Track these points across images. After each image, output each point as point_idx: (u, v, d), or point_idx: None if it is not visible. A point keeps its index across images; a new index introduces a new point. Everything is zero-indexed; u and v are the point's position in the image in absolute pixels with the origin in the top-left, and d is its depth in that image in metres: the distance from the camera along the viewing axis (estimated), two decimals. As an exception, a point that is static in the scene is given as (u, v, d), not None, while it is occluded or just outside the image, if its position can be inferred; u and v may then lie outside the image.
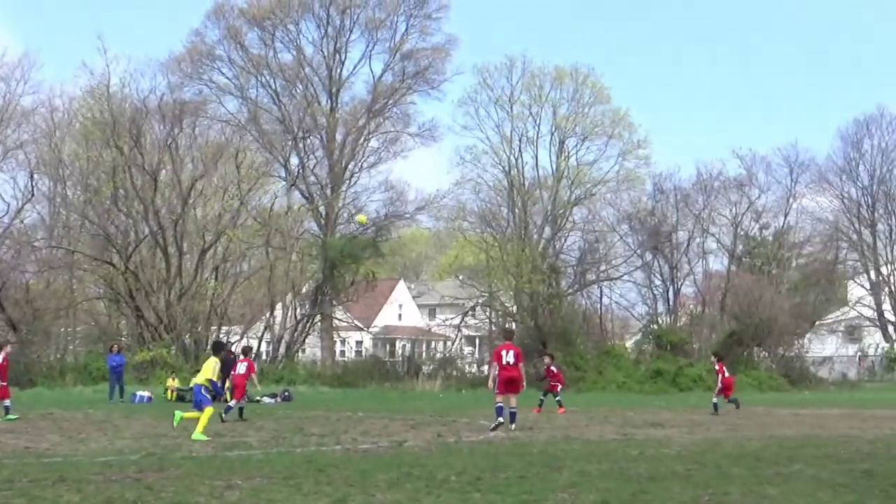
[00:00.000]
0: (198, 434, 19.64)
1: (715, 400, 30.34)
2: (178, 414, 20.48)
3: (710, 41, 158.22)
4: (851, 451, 17.42)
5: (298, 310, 60.38)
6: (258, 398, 38.16)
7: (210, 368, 21.12)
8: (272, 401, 37.98)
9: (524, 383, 23.31)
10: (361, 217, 41.41)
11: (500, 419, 22.18)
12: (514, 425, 22.29)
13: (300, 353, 60.18)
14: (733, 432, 22.07)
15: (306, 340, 60.95)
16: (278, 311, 59.44)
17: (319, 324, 61.58)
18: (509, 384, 22.54)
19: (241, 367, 27.43)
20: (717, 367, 31.93)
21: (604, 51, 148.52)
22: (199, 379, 21.03)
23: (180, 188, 54.63)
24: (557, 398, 30.85)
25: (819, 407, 34.24)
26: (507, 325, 53.09)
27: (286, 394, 39.83)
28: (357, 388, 49.25)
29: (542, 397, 31.34)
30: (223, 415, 24.79)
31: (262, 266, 59.67)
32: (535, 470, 14.33)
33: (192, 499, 11.56)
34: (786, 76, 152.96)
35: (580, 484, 12.74)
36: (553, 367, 32.26)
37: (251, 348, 34.67)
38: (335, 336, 64.20)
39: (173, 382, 40.10)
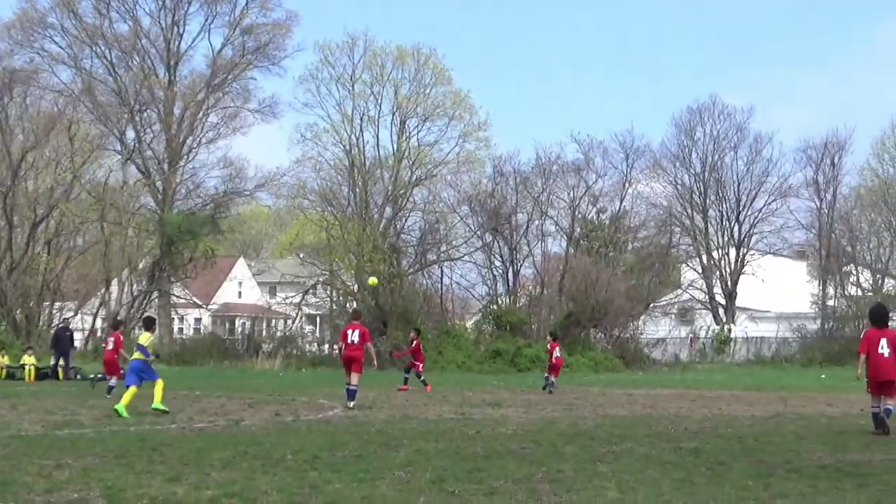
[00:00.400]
0: (157, 404, 20.01)
1: (552, 378, 30.88)
2: (121, 409, 19.61)
3: (549, 25, 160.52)
4: (680, 430, 17.89)
5: (135, 286, 59.24)
6: (91, 376, 37.30)
7: (145, 339, 20.92)
8: (107, 379, 37.12)
9: (375, 362, 24.15)
10: (373, 280, 41.62)
11: (350, 404, 22.54)
12: (352, 403, 22.42)
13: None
14: (568, 412, 22.45)
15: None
16: (114, 287, 58.22)
17: (157, 300, 60.54)
18: (349, 362, 22.91)
19: (110, 343, 27.41)
20: (549, 346, 32.52)
21: (444, 32, 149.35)
22: (138, 355, 20.69)
23: (10, 159, 53.05)
24: (420, 377, 30.99)
25: (651, 387, 35.06)
26: (355, 305, 53.05)
27: (122, 372, 38.90)
28: (195, 366, 48.59)
29: (419, 377, 31.22)
30: (107, 395, 25.26)
31: (96, 241, 58.42)
32: (372, 448, 14.34)
33: (19, 478, 11.21)
34: (622, 62, 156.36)
35: (417, 462, 12.79)
36: (417, 343, 32.37)
37: (122, 321, 34.18)
38: (173, 313, 63.22)
39: (3, 359, 38.90)
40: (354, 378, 22.73)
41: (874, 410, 17.17)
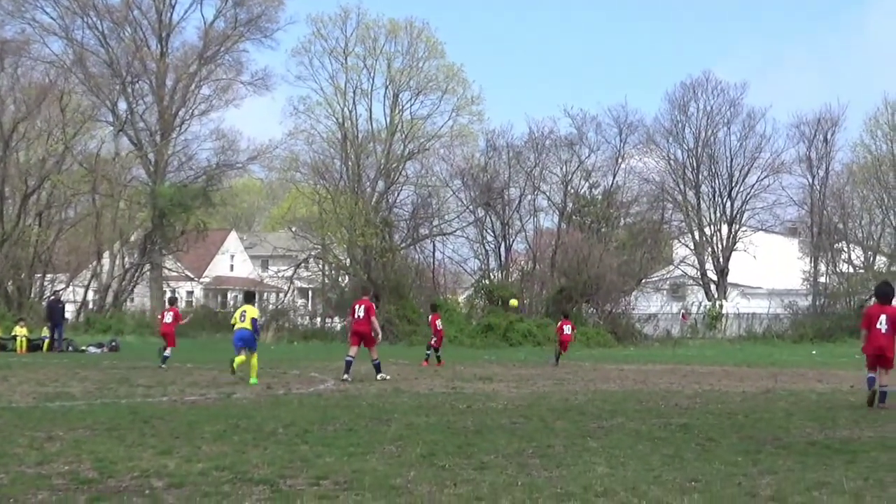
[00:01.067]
0: (253, 379, 21.39)
1: (560, 351, 32.12)
2: (237, 359, 21.62)
3: None
4: (671, 405, 17.93)
5: (127, 258, 59.15)
6: (83, 348, 37.42)
7: (257, 313, 22.56)
8: (98, 350, 37.19)
9: (379, 336, 24.39)
10: (514, 301, 42.31)
11: (346, 376, 22.81)
12: (379, 376, 23.42)
13: (128, 303, 59.02)
14: (559, 387, 22.48)
15: (135, 290, 59.84)
16: (106, 260, 58.12)
17: (149, 273, 60.48)
18: (358, 337, 23.70)
19: (168, 317, 28.06)
20: (560, 324, 33.41)
21: (437, 5, 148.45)
22: (247, 324, 21.86)
23: (1, 130, 52.84)
24: (438, 353, 31.18)
25: (643, 363, 35.08)
26: (347, 279, 53.27)
27: (113, 343, 38.99)
28: (187, 338, 48.50)
29: (436, 351, 31.50)
30: (162, 364, 26.30)
31: (88, 213, 58.28)
32: (363, 423, 14.36)
33: (10, 450, 11.23)
34: (616, 36, 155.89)
35: (407, 437, 12.81)
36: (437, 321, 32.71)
37: (177, 298, 35.27)
38: (165, 286, 63.18)
39: (-5, 331, 38.92)
40: (373, 353, 23.72)
41: (870, 375, 17.53)
